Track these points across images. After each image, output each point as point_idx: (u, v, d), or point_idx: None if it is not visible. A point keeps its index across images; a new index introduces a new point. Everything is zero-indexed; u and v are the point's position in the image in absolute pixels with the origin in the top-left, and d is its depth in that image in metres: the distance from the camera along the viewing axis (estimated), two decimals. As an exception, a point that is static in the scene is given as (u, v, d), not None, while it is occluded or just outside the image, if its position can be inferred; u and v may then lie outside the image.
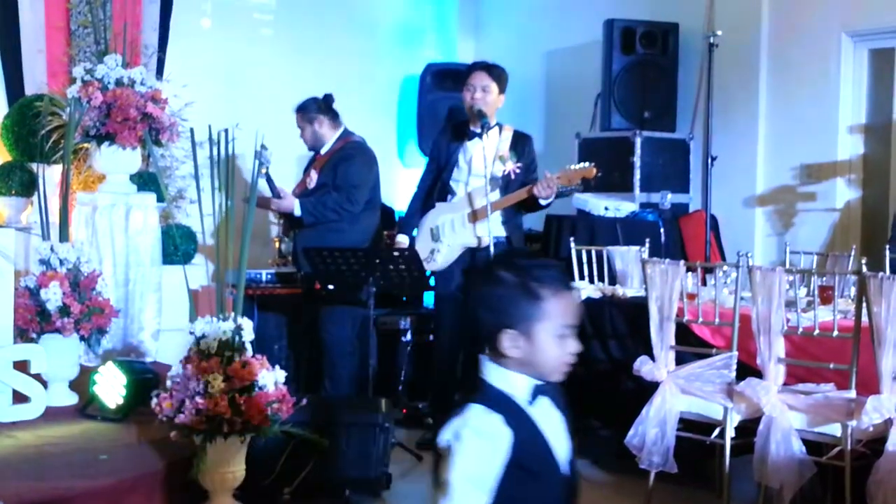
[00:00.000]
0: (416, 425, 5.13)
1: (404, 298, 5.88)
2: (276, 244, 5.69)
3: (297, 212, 4.94)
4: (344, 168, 4.99)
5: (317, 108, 5.12)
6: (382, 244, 5.29)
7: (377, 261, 4.46)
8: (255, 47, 6.48)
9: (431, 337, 5.32)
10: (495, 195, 4.74)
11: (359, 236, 5.03)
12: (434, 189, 4.97)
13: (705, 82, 5.59)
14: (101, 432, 3.19)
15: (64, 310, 3.47)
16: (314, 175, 5.05)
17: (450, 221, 4.83)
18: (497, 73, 4.84)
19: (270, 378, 2.85)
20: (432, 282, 4.96)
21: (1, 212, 5.08)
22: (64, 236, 3.64)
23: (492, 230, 4.67)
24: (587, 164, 4.78)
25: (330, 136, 5.11)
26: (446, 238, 4.83)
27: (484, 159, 4.69)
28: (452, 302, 4.89)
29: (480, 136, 4.76)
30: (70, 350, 3.56)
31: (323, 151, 5.10)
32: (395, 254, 4.46)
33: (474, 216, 4.80)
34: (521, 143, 4.90)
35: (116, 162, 4.37)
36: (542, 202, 4.78)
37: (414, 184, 5.17)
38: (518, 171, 4.82)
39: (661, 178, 5.75)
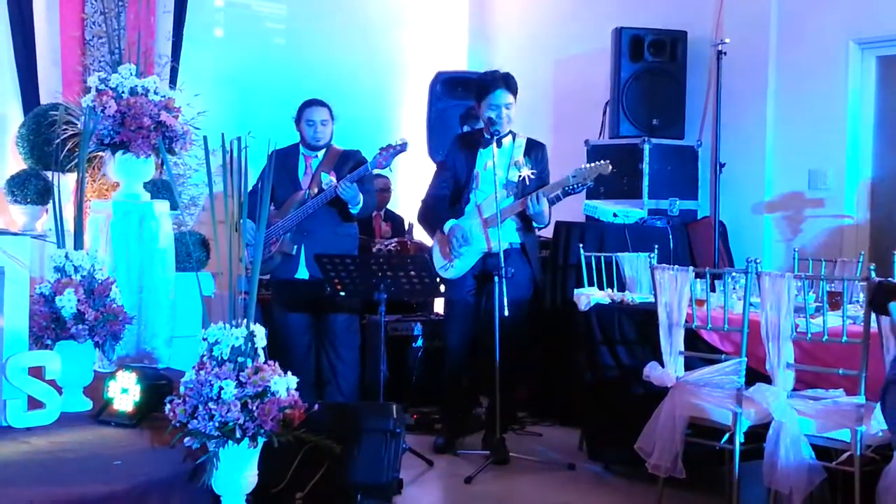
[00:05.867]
0: (427, 431, 5.16)
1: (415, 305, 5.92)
2: None
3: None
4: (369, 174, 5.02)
5: None
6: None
7: (388, 268, 4.49)
8: (268, 56, 6.55)
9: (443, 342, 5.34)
10: (511, 201, 4.80)
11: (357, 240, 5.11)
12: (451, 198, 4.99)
13: (714, 89, 5.62)
14: (115, 438, 3.20)
15: (78, 317, 3.49)
16: (330, 178, 4.98)
17: (468, 229, 4.86)
18: (515, 86, 4.87)
19: (283, 384, 2.87)
20: (442, 288, 4.98)
21: (16, 219, 5.15)
22: (79, 244, 3.67)
23: (507, 237, 4.73)
24: (603, 161, 4.82)
25: None
26: (465, 248, 4.86)
27: (494, 167, 4.74)
28: (464, 307, 4.92)
29: (499, 143, 4.79)
30: (84, 356, 3.59)
31: (322, 154, 5.05)
32: (408, 260, 4.48)
33: (485, 223, 4.84)
34: (535, 151, 4.95)
35: (130, 170, 4.41)
36: (536, 225, 4.86)
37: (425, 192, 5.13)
38: (532, 176, 4.86)
39: (669, 184, 5.77)
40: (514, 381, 4.96)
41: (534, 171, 4.87)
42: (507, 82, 4.83)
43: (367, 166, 4.84)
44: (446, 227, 4.86)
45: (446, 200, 4.96)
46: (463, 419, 5.15)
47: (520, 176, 4.84)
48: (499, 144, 4.79)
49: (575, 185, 4.81)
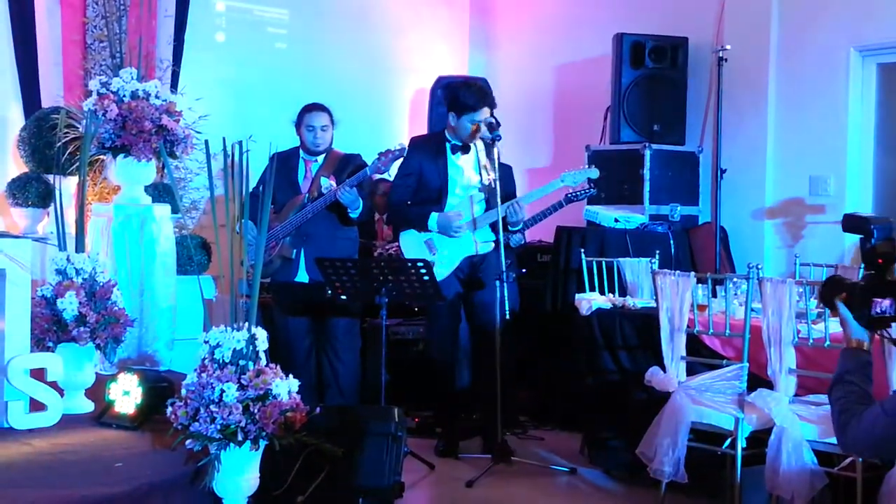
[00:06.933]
0: (428, 434, 5.15)
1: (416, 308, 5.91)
2: None
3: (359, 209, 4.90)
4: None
5: None
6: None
7: (389, 271, 4.49)
8: (269, 61, 6.55)
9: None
10: (483, 205, 4.90)
11: (357, 244, 5.11)
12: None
13: (714, 96, 5.64)
14: (117, 440, 3.20)
15: (80, 319, 3.49)
16: (329, 182, 4.97)
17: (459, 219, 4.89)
18: (494, 100, 4.96)
19: (284, 387, 2.87)
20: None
21: (18, 222, 5.14)
22: (80, 247, 3.66)
23: (491, 236, 4.77)
24: (590, 166, 4.95)
25: None
26: (446, 249, 4.88)
27: (476, 169, 4.85)
28: (450, 310, 4.93)
29: (466, 149, 4.87)
30: (86, 359, 3.58)
31: (321, 158, 5.06)
32: (409, 264, 4.49)
33: (474, 225, 4.87)
34: (491, 153, 4.98)
35: (131, 173, 4.40)
36: (512, 230, 4.94)
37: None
38: (496, 179, 4.91)
39: (670, 190, 5.78)
40: (515, 379, 4.99)
41: (496, 173, 4.92)
42: (491, 100, 4.90)
43: (366, 171, 4.85)
44: (432, 221, 4.88)
45: (411, 205, 4.99)
46: (464, 422, 5.16)
47: (488, 179, 4.87)
48: (466, 151, 4.85)
49: (578, 193, 4.89)
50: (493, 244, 4.83)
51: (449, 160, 4.94)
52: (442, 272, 4.86)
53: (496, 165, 4.77)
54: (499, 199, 4.70)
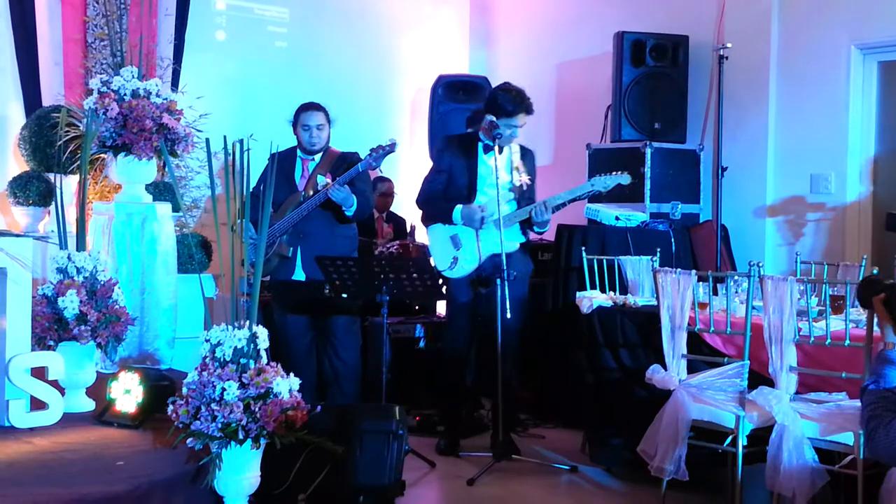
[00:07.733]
0: (429, 432, 5.16)
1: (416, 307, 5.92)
2: None
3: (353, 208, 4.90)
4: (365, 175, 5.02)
5: None
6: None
7: (390, 269, 4.49)
8: (270, 59, 6.55)
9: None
10: (513, 205, 4.88)
11: (355, 242, 5.10)
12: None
13: (715, 94, 5.63)
14: (118, 439, 3.21)
15: (81, 318, 3.50)
16: (326, 180, 4.97)
17: (473, 229, 4.89)
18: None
19: (285, 385, 2.87)
20: (444, 290, 4.98)
21: (19, 221, 5.15)
22: (81, 245, 3.67)
23: (514, 237, 4.81)
24: (622, 172, 4.90)
25: None
26: (471, 245, 4.88)
27: (508, 170, 4.84)
28: (468, 309, 4.93)
29: (501, 149, 4.85)
30: (87, 357, 3.59)
31: (318, 157, 5.04)
32: (409, 263, 4.49)
33: (479, 225, 4.88)
34: (528, 157, 5.04)
35: (132, 172, 4.41)
36: (537, 230, 4.92)
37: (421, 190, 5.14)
38: (529, 182, 4.91)
39: (671, 188, 5.77)
40: (519, 380, 4.98)
41: (529, 177, 4.96)
42: (528, 106, 4.88)
43: (357, 167, 4.84)
44: (456, 213, 4.86)
45: (443, 197, 4.98)
46: (466, 420, 5.16)
47: (520, 180, 4.87)
48: (500, 150, 4.85)
49: (586, 194, 4.88)
50: (518, 244, 4.84)
51: (480, 159, 4.95)
52: (466, 268, 4.87)
53: (496, 165, 4.77)
54: (499, 206, 4.68)
